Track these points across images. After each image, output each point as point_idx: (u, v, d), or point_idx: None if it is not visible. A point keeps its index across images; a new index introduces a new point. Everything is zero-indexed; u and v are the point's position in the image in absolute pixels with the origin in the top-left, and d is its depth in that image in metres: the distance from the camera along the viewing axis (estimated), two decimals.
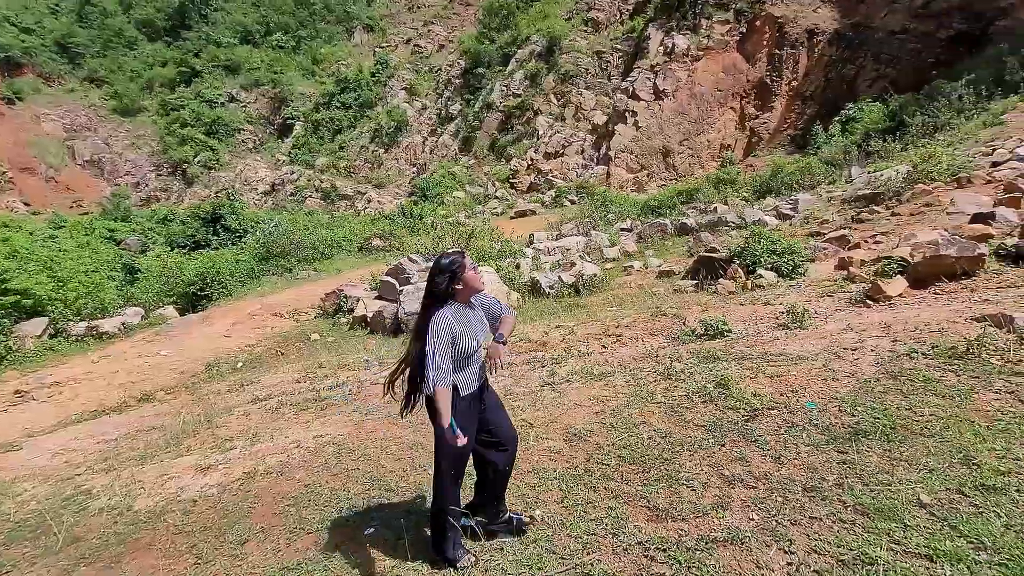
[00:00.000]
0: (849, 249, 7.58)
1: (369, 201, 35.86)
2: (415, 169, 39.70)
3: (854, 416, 3.40)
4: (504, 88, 36.15)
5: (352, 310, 11.36)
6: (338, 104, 43.18)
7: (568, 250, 13.32)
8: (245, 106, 46.66)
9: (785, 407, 3.72)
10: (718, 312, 6.35)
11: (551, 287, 9.92)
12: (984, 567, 2.10)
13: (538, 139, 33.46)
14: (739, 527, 2.66)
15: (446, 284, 2.61)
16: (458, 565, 2.76)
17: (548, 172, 32.11)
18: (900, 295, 5.54)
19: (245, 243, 20.77)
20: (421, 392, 2.72)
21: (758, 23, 24.47)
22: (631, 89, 28.83)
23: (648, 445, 3.63)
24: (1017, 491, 2.44)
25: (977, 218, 6.44)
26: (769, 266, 7.37)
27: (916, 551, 2.26)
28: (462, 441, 2.54)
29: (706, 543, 2.61)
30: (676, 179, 26.17)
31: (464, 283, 2.63)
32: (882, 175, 11.02)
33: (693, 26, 27.38)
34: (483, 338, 2.74)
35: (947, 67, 18.56)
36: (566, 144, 32.12)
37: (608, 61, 32.42)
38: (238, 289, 16.70)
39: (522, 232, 14.19)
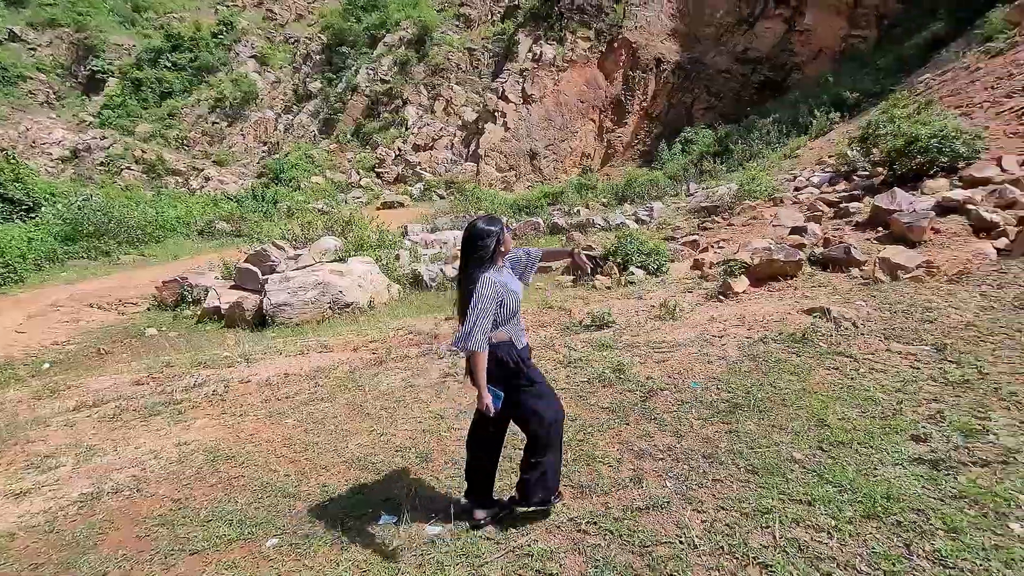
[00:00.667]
0: (700, 252, 8.73)
1: (207, 179, 31.59)
2: (266, 148, 36.02)
3: (730, 393, 3.95)
4: (371, 72, 34.56)
5: (198, 301, 9.96)
6: (168, 64, 37.30)
7: (446, 243, 13.24)
8: (34, 50, 37.87)
9: (674, 387, 4.17)
10: (600, 305, 6.85)
11: (433, 279, 9.78)
12: (847, 505, 2.60)
13: (407, 129, 32.62)
14: (657, 495, 2.92)
15: (494, 247, 2.58)
16: (479, 517, 2.88)
17: (417, 164, 31.48)
18: (744, 292, 6.55)
19: (39, 219, 16.87)
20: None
21: (616, 45, 26.81)
22: (501, 90, 29.57)
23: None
24: (859, 444, 3.05)
25: (794, 231, 7.91)
26: (639, 264, 8.17)
27: (798, 498, 2.71)
28: (493, 411, 2.56)
29: (631, 512, 2.83)
30: (542, 181, 27.49)
31: (504, 245, 2.66)
32: (716, 191, 12.87)
33: (560, 38, 28.99)
34: (520, 293, 2.73)
35: (760, 105, 22.31)
36: (436, 138, 31.80)
37: (479, 59, 32.81)
38: (33, 275, 13.59)
39: (391, 223, 13.73)
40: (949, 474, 2.69)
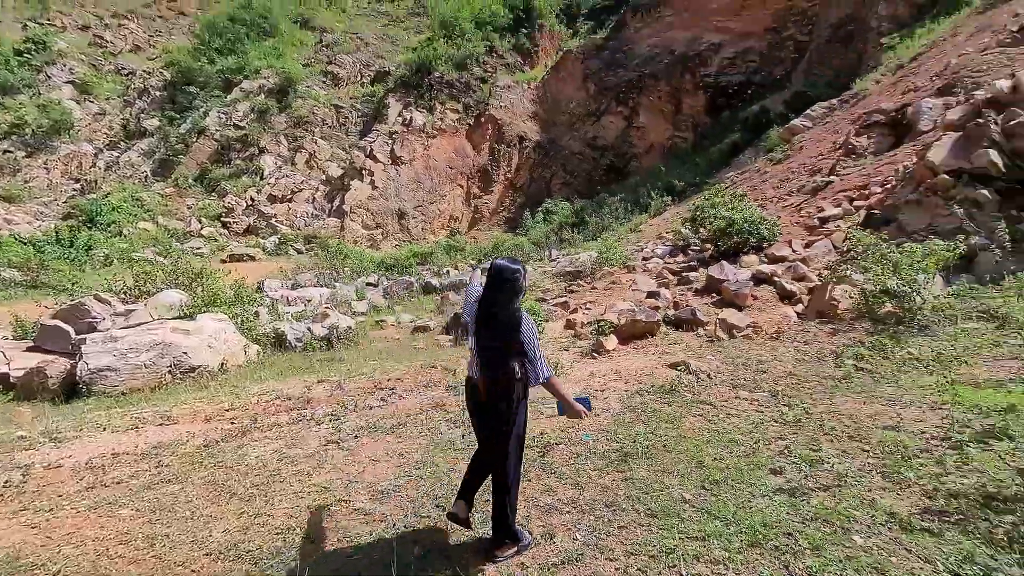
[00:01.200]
0: (571, 312, 9.38)
1: None
2: (78, 186, 30.84)
3: (618, 443, 4.22)
4: (224, 116, 32.22)
5: None
6: None
7: (310, 300, 12.39)
8: None
9: (568, 440, 4.33)
10: None
11: (299, 339, 9.02)
12: (734, 537, 2.90)
13: (263, 179, 30.60)
14: (569, 548, 2.96)
15: (523, 280, 2.82)
16: (525, 541, 3.01)
17: (272, 216, 29.48)
18: (615, 349, 7.16)
19: None
20: (518, 380, 2.78)
21: (483, 119, 28.78)
22: (370, 149, 29.58)
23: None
24: (733, 481, 3.45)
25: (650, 295, 8.98)
26: None
27: (694, 536, 2.95)
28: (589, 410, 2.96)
29: (547, 569, 2.81)
30: (410, 240, 27.51)
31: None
32: (579, 257, 14.12)
33: (430, 107, 30.28)
34: None
35: (608, 185, 25.41)
36: (296, 190, 30.26)
37: (347, 117, 32.62)
38: None
39: (247, 277, 12.52)
40: (804, 500, 3.17)
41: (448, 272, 17.91)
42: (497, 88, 30.10)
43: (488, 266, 2.88)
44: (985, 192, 6.78)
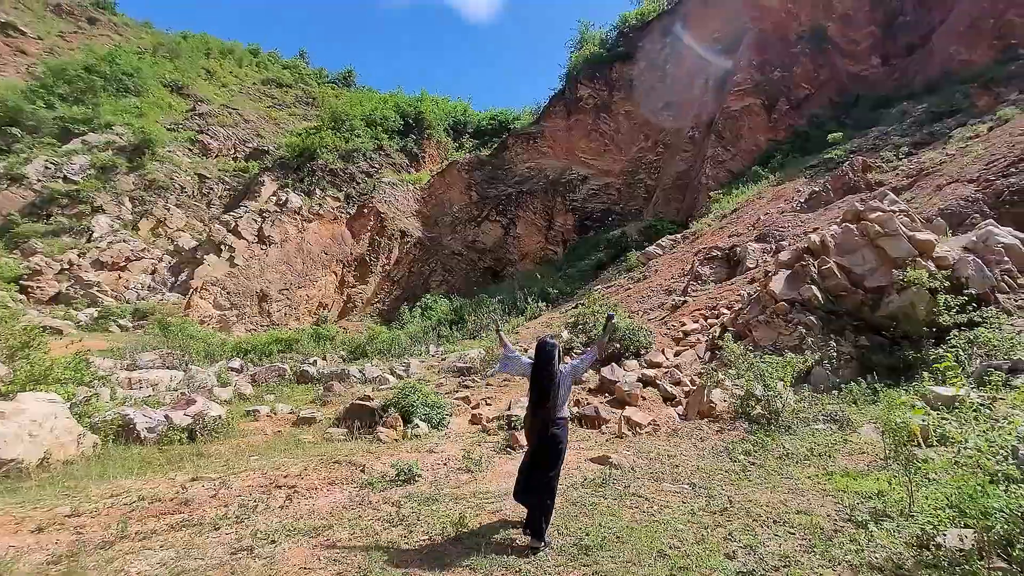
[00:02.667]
0: (473, 407, 9.25)
1: None
2: None
3: (571, 536, 4.16)
4: (52, 166, 27.83)
5: None
6: None
7: (156, 384, 10.49)
8: None
9: (519, 535, 4.15)
10: (393, 459, 6.41)
11: (152, 429, 7.50)
12: None
13: (90, 241, 26.35)
14: None
15: (559, 352, 4.33)
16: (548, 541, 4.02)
17: (95, 285, 25.11)
18: (523, 443, 7.17)
19: None
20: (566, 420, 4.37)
21: (365, 210, 28.83)
22: (234, 224, 27.48)
23: None
24: (698, 567, 3.60)
25: None
26: (423, 417, 8.10)
27: None
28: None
29: None
30: (269, 325, 25.16)
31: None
32: (468, 354, 14.19)
33: (309, 191, 29.61)
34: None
35: (485, 286, 26.51)
36: (133, 258, 26.44)
37: (211, 188, 30.30)
38: None
39: (80, 350, 10.27)
40: None
41: (316, 362, 16.55)
42: (382, 184, 30.77)
43: (539, 343, 4.30)
44: (812, 318, 8.61)
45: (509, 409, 8.63)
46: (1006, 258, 8.61)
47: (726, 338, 8.35)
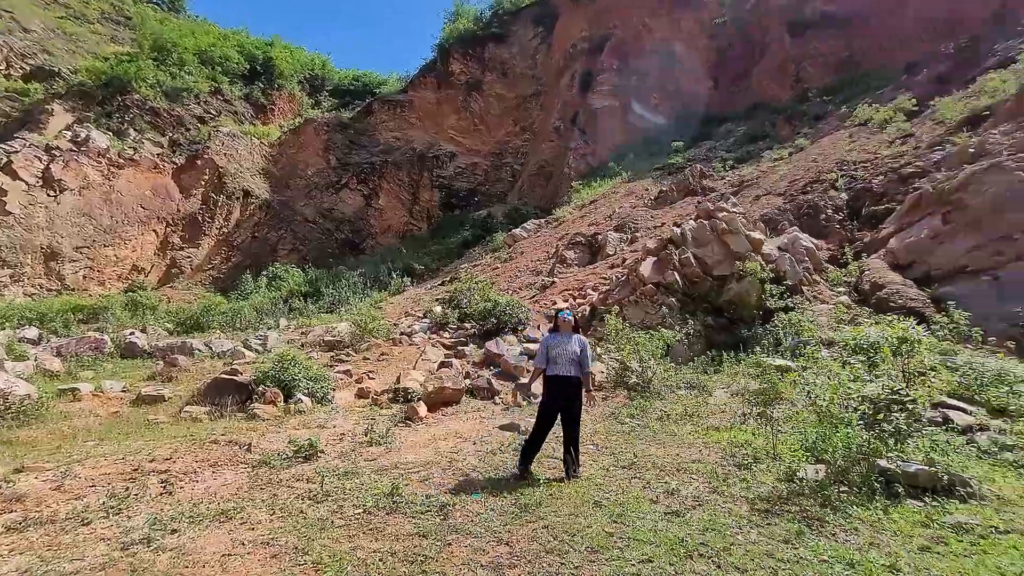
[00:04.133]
0: (357, 381, 8.74)
1: None
2: None
3: (508, 497, 4.25)
4: None
5: None
6: None
7: None
8: None
9: (459, 501, 4.11)
10: (278, 436, 5.82)
11: None
12: (662, 549, 3.34)
13: None
14: None
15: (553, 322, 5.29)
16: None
17: None
18: (425, 416, 7.06)
19: None
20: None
21: (199, 162, 24.78)
22: (5, 160, 21.55)
23: (387, 568, 3.10)
24: (632, 513, 3.95)
25: (443, 365, 9.19)
26: (306, 391, 7.41)
27: (635, 560, 3.27)
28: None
29: None
30: (61, 290, 20.51)
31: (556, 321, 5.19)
32: (335, 328, 13.28)
33: (119, 130, 24.44)
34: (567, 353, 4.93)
35: (342, 258, 24.87)
36: None
37: None
38: None
39: None
40: (686, 517, 3.89)
41: (135, 334, 14.04)
42: (221, 134, 26.74)
43: (557, 313, 5.13)
44: (673, 300, 9.86)
45: (399, 382, 8.34)
46: (806, 258, 10.83)
47: (611, 315, 9.13)
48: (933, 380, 5.47)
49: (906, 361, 5.88)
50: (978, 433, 5.11)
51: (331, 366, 9.96)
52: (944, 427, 5.31)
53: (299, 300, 20.55)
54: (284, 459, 5.08)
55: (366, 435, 5.88)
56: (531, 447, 4.77)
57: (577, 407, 4.87)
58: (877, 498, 3.95)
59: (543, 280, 16.15)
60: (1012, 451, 4.62)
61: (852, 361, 6.04)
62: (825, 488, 4.17)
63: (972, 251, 9.11)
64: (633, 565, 3.20)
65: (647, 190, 21.54)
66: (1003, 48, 14.49)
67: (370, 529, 3.57)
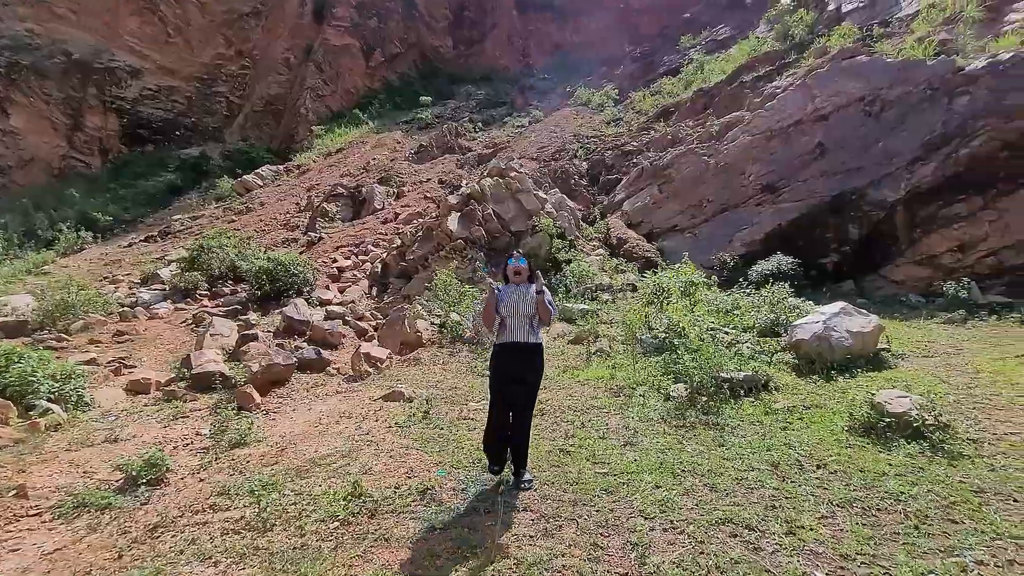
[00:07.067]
0: (115, 373, 6.24)
1: None
2: None
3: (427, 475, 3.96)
4: None
5: None
6: None
7: None
8: None
9: (434, 482, 3.62)
10: (49, 468, 3.88)
11: None
12: (632, 473, 3.75)
13: None
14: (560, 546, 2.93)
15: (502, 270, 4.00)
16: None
17: None
18: (262, 401, 5.69)
19: None
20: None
21: None
22: None
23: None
24: (581, 443, 4.19)
25: (244, 340, 7.25)
26: (50, 396, 4.93)
27: (599, 491, 3.58)
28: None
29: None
30: None
31: (509, 270, 3.89)
32: (4, 303, 8.98)
33: None
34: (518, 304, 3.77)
35: None
36: None
37: None
38: None
39: None
40: (638, 445, 4.37)
41: None
42: None
43: (512, 259, 3.90)
44: (481, 253, 10.24)
45: (188, 366, 6.31)
46: (571, 217, 12.71)
47: (441, 274, 8.85)
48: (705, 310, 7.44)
49: (691, 298, 7.77)
50: (738, 344, 7.22)
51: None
52: (715, 342, 7.31)
53: None
54: (118, 491, 3.43)
55: (212, 436, 4.41)
56: (491, 438, 3.72)
57: (532, 383, 3.74)
58: (729, 400, 5.25)
59: (309, 236, 14.29)
60: (766, 354, 6.70)
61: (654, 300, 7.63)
62: (694, 399, 5.29)
63: (679, 214, 12.33)
64: (651, 490, 3.50)
65: (399, 143, 21.05)
66: (669, 60, 19.51)
67: (378, 540, 2.85)
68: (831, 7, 14.74)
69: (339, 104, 23.03)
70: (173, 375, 6.28)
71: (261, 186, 19.08)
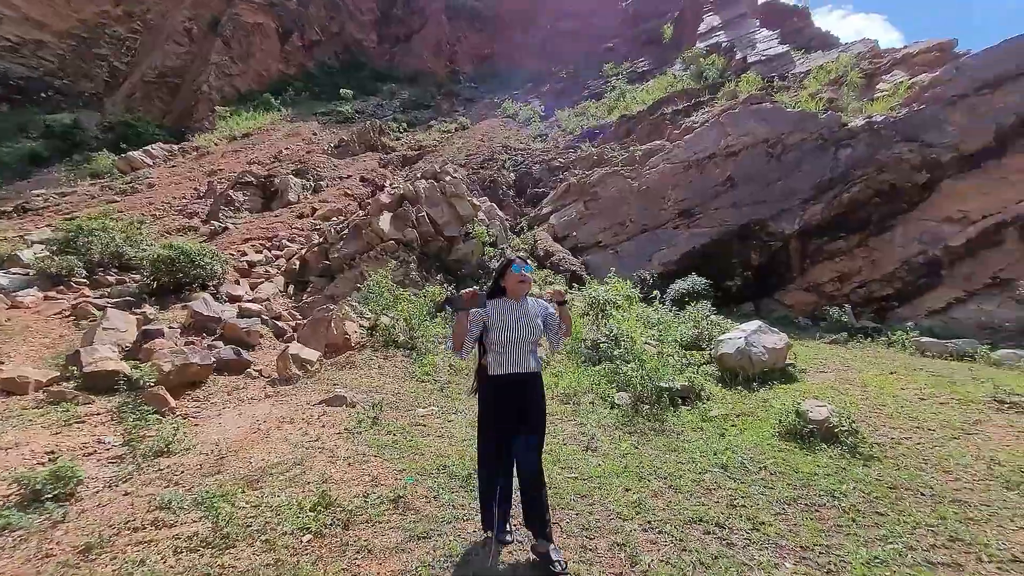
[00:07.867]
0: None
1: None
2: None
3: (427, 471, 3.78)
4: None
5: None
6: None
7: None
8: None
9: (403, 491, 3.40)
10: None
11: None
12: (604, 478, 3.84)
13: None
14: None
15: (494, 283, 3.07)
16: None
17: None
18: (177, 405, 5.01)
19: None
20: None
21: None
22: None
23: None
24: (563, 456, 4.19)
25: (147, 335, 6.25)
26: None
27: (572, 496, 3.65)
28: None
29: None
30: None
31: (506, 281, 2.98)
32: None
33: None
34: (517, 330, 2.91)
35: None
36: None
37: None
38: None
39: None
40: (601, 450, 4.44)
41: None
42: None
43: (507, 263, 2.99)
44: (413, 256, 9.93)
45: (78, 364, 5.36)
46: (501, 225, 12.80)
47: (374, 275, 8.38)
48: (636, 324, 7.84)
49: (626, 312, 8.13)
50: (664, 356, 7.67)
51: None
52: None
53: None
54: (20, 511, 2.82)
55: (126, 444, 3.79)
56: (489, 491, 2.87)
57: (535, 422, 2.85)
58: (669, 408, 5.55)
59: (212, 225, 12.92)
60: (693, 366, 7.17)
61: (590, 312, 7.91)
62: (638, 407, 5.52)
63: (603, 231, 12.93)
64: (622, 493, 3.58)
65: (315, 135, 19.87)
66: (594, 84, 20.54)
67: (360, 551, 2.61)
68: (739, 56, 16.50)
69: (248, 86, 21.27)
70: (56, 374, 5.32)
71: (150, 165, 16.98)
